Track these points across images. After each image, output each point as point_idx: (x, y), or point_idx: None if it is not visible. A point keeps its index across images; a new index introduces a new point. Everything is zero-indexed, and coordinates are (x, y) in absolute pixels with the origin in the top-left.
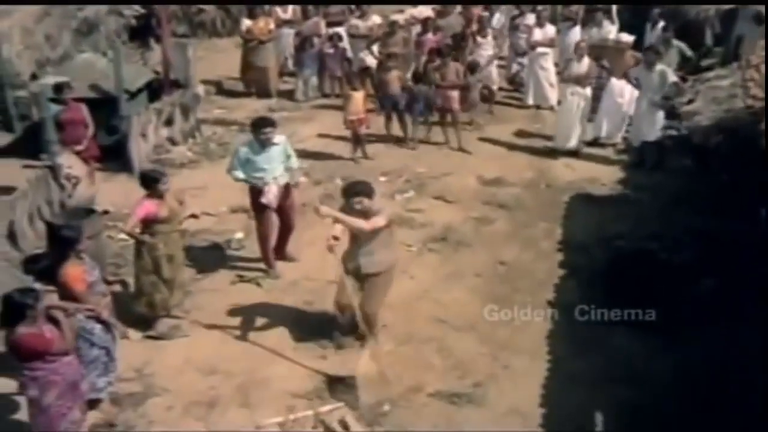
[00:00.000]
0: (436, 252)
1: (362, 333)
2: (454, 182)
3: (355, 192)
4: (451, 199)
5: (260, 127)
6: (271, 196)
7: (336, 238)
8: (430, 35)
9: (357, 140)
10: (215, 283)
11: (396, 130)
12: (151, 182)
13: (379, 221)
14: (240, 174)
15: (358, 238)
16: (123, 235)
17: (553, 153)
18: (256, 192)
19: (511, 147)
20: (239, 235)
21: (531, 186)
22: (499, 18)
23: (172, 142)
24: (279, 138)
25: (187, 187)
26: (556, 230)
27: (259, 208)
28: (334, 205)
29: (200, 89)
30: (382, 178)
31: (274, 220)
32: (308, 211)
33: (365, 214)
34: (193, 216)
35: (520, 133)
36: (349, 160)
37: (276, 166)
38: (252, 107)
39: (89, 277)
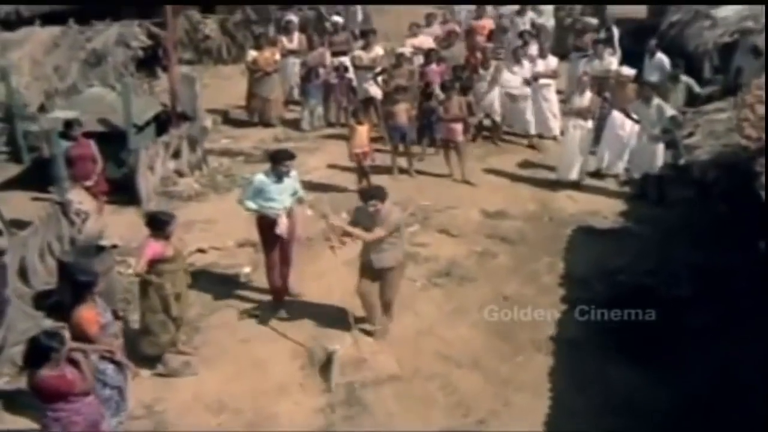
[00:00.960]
0: (440, 287)
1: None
2: (458, 215)
3: (371, 195)
4: (455, 232)
5: (281, 159)
6: (283, 227)
7: (343, 241)
8: (433, 66)
9: (362, 173)
10: (223, 319)
11: (403, 161)
12: (159, 225)
13: (380, 233)
14: (252, 204)
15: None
16: (132, 270)
17: (556, 184)
18: (266, 223)
19: (515, 178)
20: (247, 269)
21: (534, 219)
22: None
23: (180, 174)
24: (293, 170)
25: (195, 220)
26: (559, 264)
27: (269, 240)
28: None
29: (208, 122)
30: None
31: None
32: (314, 245)
33: (376, 216)
34: (201, 251)
35: (523, 164)
36: (354, 193)
37: (286, 197)
38: (258, 137)
39: (102, 319)
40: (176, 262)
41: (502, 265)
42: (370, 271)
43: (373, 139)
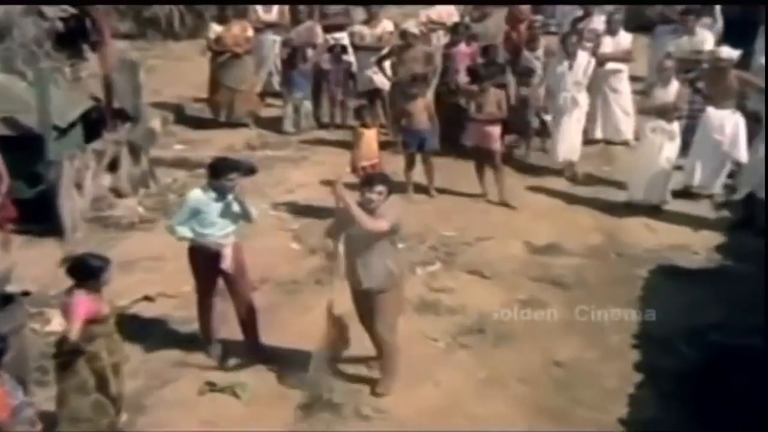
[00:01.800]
0: (469, 348)
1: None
2: (494, 250)
3: (378, 180)
4: (489, 273)
5: (221, 171)
6: (228, 259)
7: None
8: (461, 46)
9: None
10: (178, 394)
11: (419, 174)
12: (89, 273)
13: (382, 224)
14: (184, 230)
15: (352, 249)
16: (51, 327)
17: (627, 208)
18: (200, 255)
19: (571, 199)
20: None
21: (597, 255)
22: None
23: (118, 193)
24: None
25: (138, 257)
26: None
27: (203, 277)
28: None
29: (155, 122)
30: (400, 245)
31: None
32: (303, 289)
33: (375, 211)
34: (147, 299)
35: (583, 179)
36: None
37: (230, 220)
38: (224, 142)
39: (12, 401)
40: (111, 320)
41: (554, 318)
42: (355, 294)
43: (380, 146)
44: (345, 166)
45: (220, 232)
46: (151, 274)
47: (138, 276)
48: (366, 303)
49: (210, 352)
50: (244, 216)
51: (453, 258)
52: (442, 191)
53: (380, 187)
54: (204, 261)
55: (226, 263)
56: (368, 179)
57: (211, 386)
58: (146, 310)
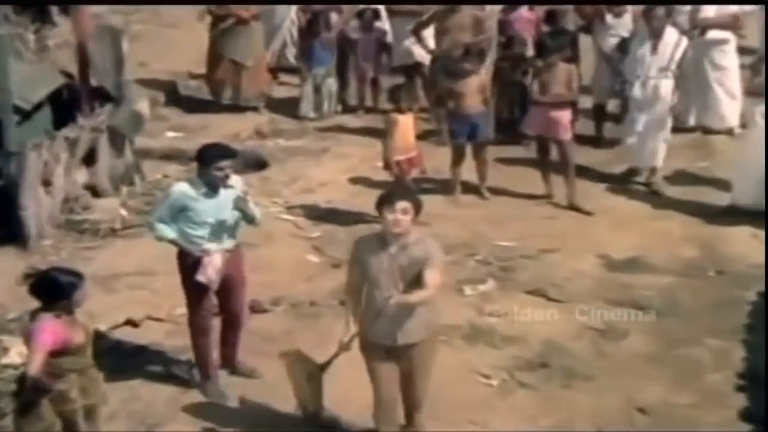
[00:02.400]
0: (529, 389)
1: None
2: (561, 265)
3: (399, 195)
4: (555, 294)
5: (212, 157)
6: (211, 271)
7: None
8: (523, 11)
9: None
10: None
11: (469, 172)
12: (57, 294)
13: (434, 278)
14: (167, 230)
15: (378, 302)
16: (10, 359)
17: (730, 214)
18: (190, 262)
19: (659, 203)
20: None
21: (691, 272)
22: None
23: (95, 192)
24: (235, 180)
25: (121, 271)
26: (734, 352)
27: (192, 289)
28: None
29: (143, 103)
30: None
31: (213, 306)
32: (325, 313)
33: (402, 244)
34: (131, 324)
35: (674, 177)
36: None
37: (225, 221)
38: (227, 129)
39: None
40: (86, 352)
41: (637, 352)
42: (381, 349)
43: (418, 136)
44: (376, 160)
45: (211, 236)
46: (136, 293)
47: (120, 295)
48: (398, 361)
49: (208, 389)
50: (245, 217)
51: (510, 275)
52: (496, 192)
53: (403, 204)
54: (193, 269)
55: (206, 273)
56: (387, 196)
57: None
58: (131, 338)
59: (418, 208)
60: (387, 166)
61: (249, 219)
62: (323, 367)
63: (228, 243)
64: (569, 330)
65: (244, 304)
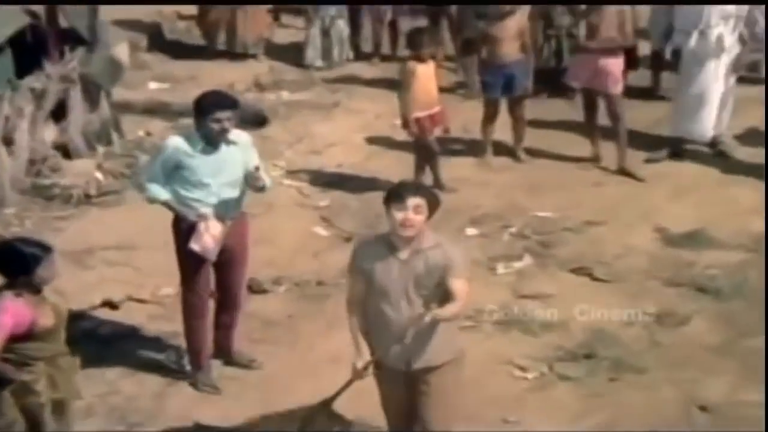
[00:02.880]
0: (572, 382)
1: None
2: (610, 239)
3: (411, 191)
4: (603, 273)
5: (208, 107)
6: (208, 239)
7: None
8: None
9: (425, 154)
10: None
11: (503, 130)
12: (19, 269)
13: (460, 292)
14: (160, 191)
15: (389, 319)
16: None
17: None
18: (185, 229)
19: (726, 167)
20: None
21: (762, 249)
22: None
23: (66, 153)
24: (239, 135)
25: (96, 244)
26: None
27: (188, 260)
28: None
29: (121, 48)
30: (472, 230)
31: (210, 283)
32: (333, 294)
33: (416, 249)
34: (109, 305)
35: (745, 137)
36: None
37: (227, 182)
38: (220, 79)
39: None
40: (57, 337)
41: (698, 340)
42: (393, 374)
43: (441, 89)
44: (394, 116)
45: (209, 200)
46: (115, 270)
47: (96, 272)
48: (415, 388)
49: (200, 381)
50: (252, 180)
51: (550, 251)
52: (535, 154)
53: (415, 200)
54: (186, 238)
55: (202, 242)
56: (395, 192)
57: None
58: (109, 322)
59: (433, 205)
60: (405, 124)
61: (257, 187)
62: (328, 402)
63: (230, 209)
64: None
65: (244, 283)
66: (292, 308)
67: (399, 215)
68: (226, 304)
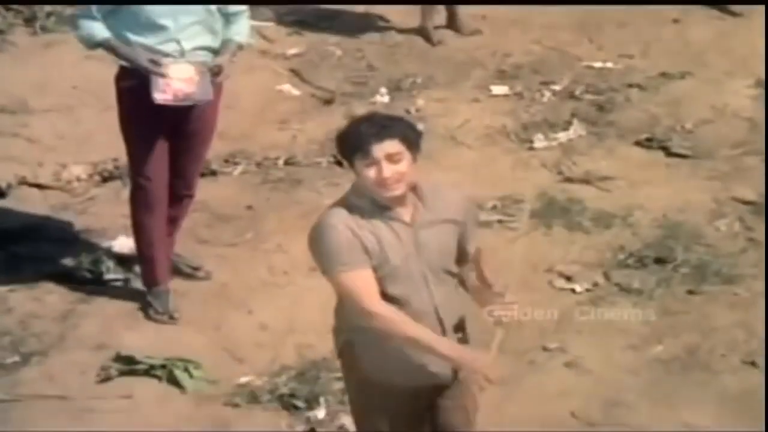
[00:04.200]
0: (638, 295)
1: None
2: (694, 98)
3: (372, 134)
4: (681, 147)
5: None
6: (178, 84)
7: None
8: None
9: None
10: (71, 357)
11: None
12: None
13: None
14: (101, 29)
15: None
16: None
17: None
18: (134, 87)
19: None
20: (122, 239)
21: None
22: None
23: None
24: None
25: None
26: None
27: (139, 132)
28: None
29: None
30: (499, 88)
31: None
32: (308, 176)
33: (403, 201)
34: None
35: None
36: (426, 41)
37: (191, 23)
38: None
39: None
40: None
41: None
42: (395, 395)
43: None
44: None
45: (170, 48)
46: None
47: None
48: (416, 403)
49: (153, 304)
50: (225, 24)
51: (609, 115)
52: None
53: (386, 145)
54: (137, 98)
55: (165, 94)
56: (353, 139)
57: (129, 365)
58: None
59: (413, 142)
60: None
61: (231, 29)
62: None
63: (199, 57)
64: (703, 203)
65: (200, 167)
66: (251, 197)
67: (370, 173)
68: (178, 192)
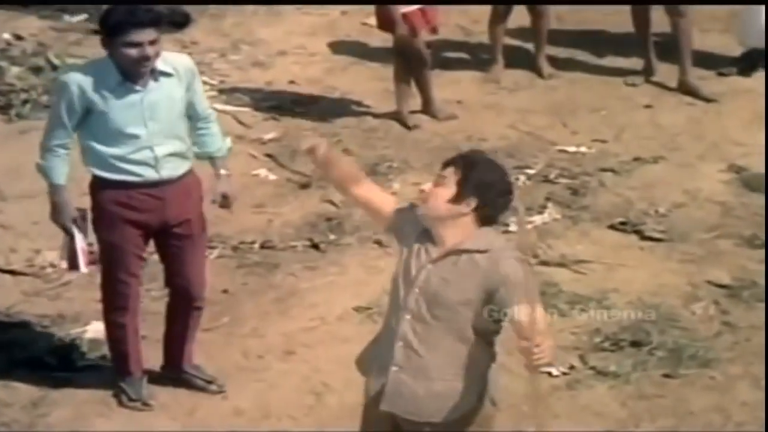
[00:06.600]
0: (613, 379)
1: None
2: (666, 182)
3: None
4: (655, 231)
5: (120, 25)
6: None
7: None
8: None
9: (411, 65)
10: None
11: (519, 33)
12: None
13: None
14: (54, 172)
15: (403, 318)
16: None
17: None
18: (106, 198)
19: None
20: (94, 326)
21: None
22: None
23: None
24: (174, 60)
25: None
26: None
27: (108, 233)
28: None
29: None
30: None
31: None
32: (286, 260)
33: (447, 225)
34: None
35: None
36: (402, 125)
37: (162, 131)
38: None
39: None
40: None
41: None
42: (383, 418)
43: None
44: (364, 13)
45: (142, 156)
46: None
47: None
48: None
49: (126, 392)
50: (196, 133)
51: (583, 200)
52: (564, 65)
53: (451, 167)
54: (109, 206)
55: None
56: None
57: None
58: None
59: (466, 173)
60: (383, 23)
61: (201, 133)
62: None
63: (171, 169)
64: (678, 287)
65: (203, 268)
66: (228, 281)
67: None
68: (180, 299)
